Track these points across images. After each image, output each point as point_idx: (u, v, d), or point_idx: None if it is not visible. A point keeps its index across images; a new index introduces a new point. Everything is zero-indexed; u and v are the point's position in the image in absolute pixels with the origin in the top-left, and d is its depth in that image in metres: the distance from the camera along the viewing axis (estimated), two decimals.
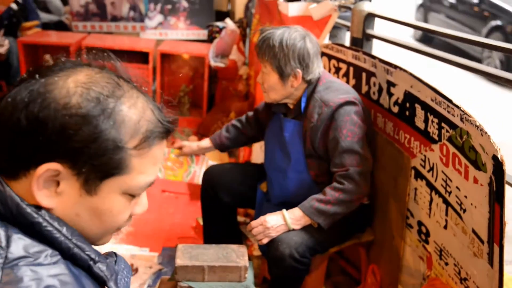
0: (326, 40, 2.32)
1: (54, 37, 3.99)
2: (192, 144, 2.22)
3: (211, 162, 2.28)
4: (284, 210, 1.68)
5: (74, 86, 0.68)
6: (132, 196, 0.76)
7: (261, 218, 1.68)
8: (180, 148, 2.22)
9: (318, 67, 1.77)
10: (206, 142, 2.18)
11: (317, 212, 1.65)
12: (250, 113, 2.15)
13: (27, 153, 0.67)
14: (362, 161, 1.65)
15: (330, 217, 1.65)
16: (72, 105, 0.66)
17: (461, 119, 1.27)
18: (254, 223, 1.69)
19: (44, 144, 0.66)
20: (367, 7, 2.08)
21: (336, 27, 2.90)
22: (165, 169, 2.22)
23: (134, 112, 0.71)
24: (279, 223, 1.67)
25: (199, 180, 2.20)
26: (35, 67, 0.72)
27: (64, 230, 0.68)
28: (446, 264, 1.43)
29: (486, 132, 1.16)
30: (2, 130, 0.68)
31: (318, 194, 1.67)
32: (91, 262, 0.70)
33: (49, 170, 0.67)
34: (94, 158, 0.68)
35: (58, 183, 0.68)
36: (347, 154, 1.65)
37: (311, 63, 1.72)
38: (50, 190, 0.68)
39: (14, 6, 3.94)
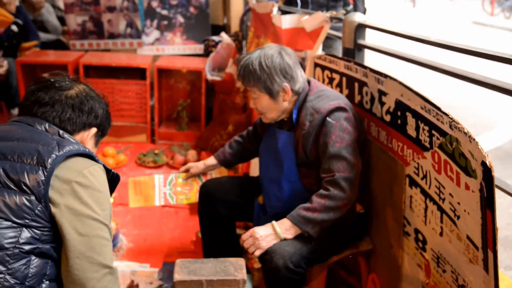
0: (319, 51, 2.34)
1: (52, 56, 4.03)
2: (198, 164, 2.25)
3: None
4: (273, 221, 1.70)
5: (96, 94, 1.45)
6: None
7: (250, 230, 1.70)
8: (186, 171, 2.25)
9: (302, 75, 1.81)
10: (211, 160, 2.22)
11: (304, 220, 1.66)
12: (251, 128, 2.18)
13: (87, 123, 1.38)
14: (349, 167, 1.66)
15: (318, 225, 1.66)
16: (104, 102, 1.45)
17: (450, 126, 1.29)
18: (244, 236, 1.71)
19: (94, 119, 1.40)
20: (358, 18, 2.11)
21: (331, 38, 2.93)
22: (176, 195, 2.24)
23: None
24: (268, 233, 1.67)
25: None
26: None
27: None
28: (444, 271, 1.43)
29: (474, 139, 1.17)
30: (71, 111, 1.35)
31: (306, 203, 1.69)
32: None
33: (94, 130, 1.40)
34: (107, 126, 1.47)
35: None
36: (334, 159, 1.67)
37: (295, 74, 1.77)
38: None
39: (14, 28, 4.00)
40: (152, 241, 2.58)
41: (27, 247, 1.13)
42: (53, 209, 1.16)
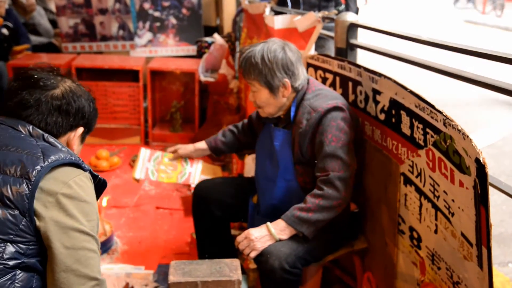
0: (312, 51, 2.35)
1: (44, 59, 4.01)
2: (188, 145, 2.22)
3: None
4: (268, 222, 1.69)
5: (82, 91, 1.37)
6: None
7: (245, 232, 1.69)
8: (174, 151, 2.22)
9: (303, 73, 1.81)
10: (202, 144, 2.19)
11: (299, 221, 1.65)
12: (246, 121, 2.18)
13: (74, 124, 1.33)
14: (344, 167, 1.66)
15: (313, 225, 1.65)
16: (91, 98, 1.39)
17: (444, 124, 1.29)
18: (239, 238, 1.70)
19: (81, 119, 1.34)
20: (349, 18, 2.11)
21: (323, 38, 2.94)
22: (158, 172, 2.19)
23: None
24: (263, 234, 1.67)
25: (194, 180, 2.19)
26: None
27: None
28: (439, 268, 1.44)
29: (468, 136, 1.17)
30: (57, 114, 1.29)
31: (300, 203, 1.68)
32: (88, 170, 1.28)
33: (80, 130, 1.35)
34: (92, 123, 1.40)
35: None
36: (329, 158, 1.67)
37: (296, 70, 1.76)
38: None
39: (5, 31, 3.97)
40: (146, 243, 2.57)
41: (11, 263, 1.10)
42: (38, 223, 1.13)
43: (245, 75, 1.79)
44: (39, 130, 1.25)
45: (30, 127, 1.24)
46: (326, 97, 1.76)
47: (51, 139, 1.24)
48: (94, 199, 1.24)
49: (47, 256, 1.15)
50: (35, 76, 1.30)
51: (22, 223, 1.11)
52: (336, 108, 1.71)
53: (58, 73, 1.35)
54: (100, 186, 1.33)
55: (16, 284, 1.10)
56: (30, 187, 1.12)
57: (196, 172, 2.24)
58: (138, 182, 2.22)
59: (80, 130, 1.35)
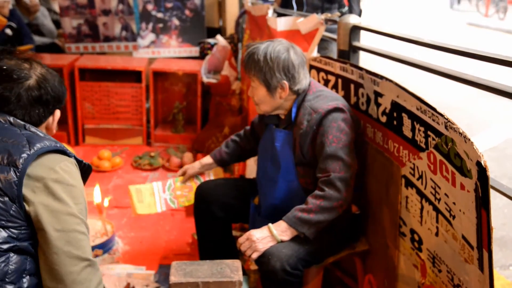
0: (315, 53, 2.35)
1: (47, 60, 4.02)
2: (194, 164, 2.24)
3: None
4: (270, 224, 1.70)
5: (49, 72, 1.37)
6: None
7: (247, 233, 1.70)
8: (183, 174, 2.24)
9: (305, 78, 1.81)
10: (207, 159, 2.22)
11: (300, 222, 1.66)
12: (248, 128, 2.18)
13: (52, 110, 1.37)
14: (345, 168, 1.67)
15: (314, 226, 1.66)
16: (57, 77, 1.38)
17: (446, 127, 1.29)
18: (241, 239, 1.70)
19: (58, 103, 1.38)
20: (352, 20, 2.11)
21: (326, 40, 2.94)
22: (177, 199, 2.23)
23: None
24: (264, 235, 1.67)
25: None
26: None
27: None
28: (440, 271, 1.44)
29: (469, 139, 1.18)
30: (38, 105, 1.32)
31: (301, 205, 1.69)
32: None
33: (58, 113, 1.40)
34: (63, 102, 1.40)
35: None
36: (330, 159, 1.67)
37: (297, 74, 1.76)
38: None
39: (9, 31, 3.98)
40: (148, 244, 2.58)
41: (5, 246, 1.15)
42: (28, 208, 1.17)
43: (246, 70, 1.81)
44: (19, 120, 1.29)
45: (11, 118, 1.28)
46: (326, 98, 1.77)
47: (33, 129, 1.28)
48: (81, 183, 1.29)
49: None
50: (5, 67, 1.30)
51: (12, 209, 1.16)
52: (336, 109, 1.71)
53: (23, 58, 1.35)
54: (85, 172, 1.37)
55: (10, 266, 1.15)
56: (18, 174, 1.16)
57: None
58: (139, 215, 2.24)
59: (58, 113, 1.40)
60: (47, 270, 1.18)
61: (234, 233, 2.35)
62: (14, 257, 1.16)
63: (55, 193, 1.19)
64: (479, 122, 5.36)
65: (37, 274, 1.21)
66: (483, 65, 1.59)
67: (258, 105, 1.84)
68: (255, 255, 1.66)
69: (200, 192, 2.07)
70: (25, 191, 1.17)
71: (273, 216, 1.76)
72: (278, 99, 1.79)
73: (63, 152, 1.27)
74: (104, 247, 2.43)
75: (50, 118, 1.38)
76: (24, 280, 1.18)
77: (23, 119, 1.30)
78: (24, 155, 1.18)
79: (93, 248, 2.39)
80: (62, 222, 1.19)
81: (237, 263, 1.58)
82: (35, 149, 1.20)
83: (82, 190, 1.28)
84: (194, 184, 2.25)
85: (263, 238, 1.67)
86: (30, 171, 1.18)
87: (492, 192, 1.16)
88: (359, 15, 4.09)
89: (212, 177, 2.28)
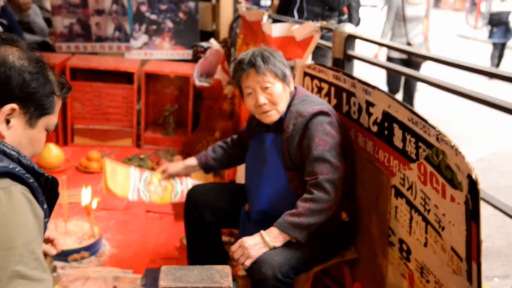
0: (309, 60, 2.36)
1: None
2: (177, 163, 2.22)
3: (195, 182, 2.27)
4: (261, 231, 1.70)
5: (18, 57, 1.06)
6: (47, 132, 1.15)
7: (239, 240, 1.70)
8: (163, 171, 2.21)
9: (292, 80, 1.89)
10: (191, 161, 2.19)
11: (291, 226, 1.66)
12: (235, 136, 2.18)
13: None
14: (332, 169, 1.68)
15: (305, 229, 1.66)
16: (26, 67, 1.05)
17: (437, 139, 1.31)
18: (233, 247, 1.70)
19: (8, 91, 1.02)
20: (347, 29, 2.13)
21: (321, 48, 2.96)
22: (150, 193, 2.18)
23: (52, 73, 1.14)
24: (257, 241, 1.68)
25: None
26: None
27: (16, 152, 1.00)
28: (428, 281, 1.45)
29: (460, 152, 1.19)
30: None
31: (292, 209, 1.69)
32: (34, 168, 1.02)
33: (10, 109, 1.02)
34: (40, 100, 1.07)
35: (8, 121, 1.04)
36: (317, 162, 1.69)
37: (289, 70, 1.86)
38: (4, 125, 1.03)
39: None
40: (135, 247, 2.56)
41: None
42: None
43: (259, 71, 1.77)
44: None
45: None
46: (312, 102, 1.80)
47: None
48: (21, 220, 0.94)
49: None
50: None
51: None
52: (321, 113, 1.74)
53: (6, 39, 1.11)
54: (51, 187, 1.09)
55: None
56: None
57: (188, 189, 2.21)
58: (109, 193, 2.14)
59: (7, 108, 1.03)
60: None
61: (223, 238, 2.35)
62: None
63: None
64: (467, 134, 5.43)
65: None
66: (473, 77, 1.62)
67: (277, 105, 1.80)
68: (248, 262, 1.66)
69: (191, 196, 2.06)
70: None
71: (264, 222, 1.76)
72: (288, 94, 1.83)
73: (14, 176, 0.96)
74: (91, 249, 2.41)
75: None
76: None
77: None
78: None
79: (80, 250, 2.37)
80: None
81: (227, 269, 1.58)
82: None
83: (22, 228, 0.93)
84: (169, 185, 2.20)
85: (256, 244, 1.67)
86: None
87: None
88: (358, 23, 4.14)
89: (189, 182, 2.24)
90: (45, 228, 1.05)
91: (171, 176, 2.22)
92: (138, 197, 2.15)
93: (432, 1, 17.39)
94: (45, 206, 1.04)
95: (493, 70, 1.48)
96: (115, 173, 2.18)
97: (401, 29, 4.84)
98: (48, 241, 1.49)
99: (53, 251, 1.48)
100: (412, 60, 4.61)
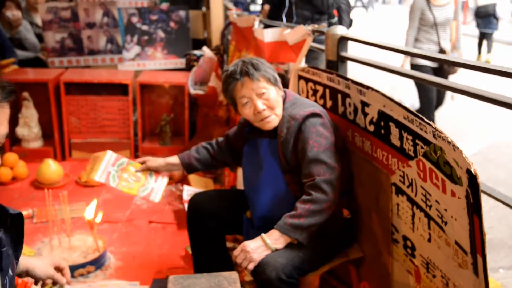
0: (303, 64, 2.38)
1: (31, 74, 3.99)
2: (158, 159, 2.17)
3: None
4: (262, 234, 1.71)
5: None
6: None
7: (241, 245, 1.71)
8: (142, 162, 2.16)
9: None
10: (174, 159, 2.15)
11: (292, 228, 1.68)
12: (221, 139, 2.18)
13: None
14: (329, 170, 1.70)
15: (306, 230, 1.68)
16: None
17: (434, 136, 1.33)
18: (235, 252, 1.72)
19: None
20: (340, 31, 2.16)
21: (313, 51, 2.99)
22: (120, 179, 2.09)
23: None
24: (258, 245, 1.69)
25: (155, 198, 2.13)
26: None
27: None
28: (434, 276, 1.46)
29: (458, 148, 1.21)
30: None
31: (291, 211, 1.71)
32: None
33: None
34: None
35: None
36: (313, 164, 1.71)
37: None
38: None
39: None
40: (140, 258, 2.56)
41: None
42: None
43: (253, 78, 1.79)
44: None
45: None
46: (303, 105, 1.82)
47: None
48: None
49: None
50: None
51: None
52: (313, 115, 1.76)
53: None
54: (17, 222, 1.02)
55: None
56: None
57: (159, 189, 2.16)
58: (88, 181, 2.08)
59: None
60: None
61: (228, 244, 2.36)
62: None
63: None
64: (464, 129, 5.47)
65: None
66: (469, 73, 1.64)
67: (274, 110, 1.81)
68: (251, 266, 1.67)
69: (193, 205, 2.07)
70: None
71: (267, 227, 1.77)
72: (280, 98, 1.85)
73: None
74: (96, 263, 2.41)
75: None
76: None
77: None
78: None
79: (86, 264, 2.37)
80: None
81: (234, 275, 1.58)
82: None
83: None
84: (144, 178, 2.14)
85: (257, 248, 1.68)
86: None
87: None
88: (350, 25, 4.16)
89: (165, 182, 2.18)
90: (2, 257, 0.96)
91: (149, 170, 2.16)
92: (105, 180, 2.07)
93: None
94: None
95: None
96: (94, 162, 2.14)
97: (430, 34, 4.34)
98: (58, 269, 1.48)
99: (63, 280, 1.47)
100: (444, 68, 4.16)
